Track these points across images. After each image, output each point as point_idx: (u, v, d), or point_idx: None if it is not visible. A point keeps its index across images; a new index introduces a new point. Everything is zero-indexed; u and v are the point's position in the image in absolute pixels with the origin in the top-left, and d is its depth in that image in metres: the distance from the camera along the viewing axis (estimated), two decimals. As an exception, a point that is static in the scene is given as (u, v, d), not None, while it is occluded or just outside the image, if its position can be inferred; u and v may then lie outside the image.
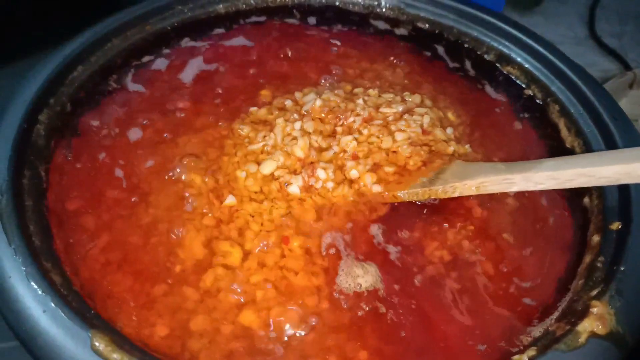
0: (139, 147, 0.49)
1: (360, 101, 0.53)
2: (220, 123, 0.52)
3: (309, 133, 0.50)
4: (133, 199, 0.45)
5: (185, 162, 0.47)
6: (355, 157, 0.48)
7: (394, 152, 0.49)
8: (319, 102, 0.52)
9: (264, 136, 0.50)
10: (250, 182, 0.47)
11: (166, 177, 0.47)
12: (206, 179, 0.46)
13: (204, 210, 0.45)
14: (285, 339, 0.38)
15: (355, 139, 0.49)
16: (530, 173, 0.40)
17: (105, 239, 0.42)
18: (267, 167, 0.47)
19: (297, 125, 0.50)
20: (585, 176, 0.38)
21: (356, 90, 0.56)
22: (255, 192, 0.46)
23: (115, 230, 0.43)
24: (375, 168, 0.48)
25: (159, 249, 0.42)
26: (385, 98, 0.54)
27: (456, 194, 0.44)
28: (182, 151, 0.49)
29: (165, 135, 0.50)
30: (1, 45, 0.79)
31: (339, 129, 0.51)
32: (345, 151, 0.49)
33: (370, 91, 0.55)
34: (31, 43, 0.52)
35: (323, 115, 0.52)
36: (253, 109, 0.53)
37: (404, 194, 0.46)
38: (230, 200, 0.45)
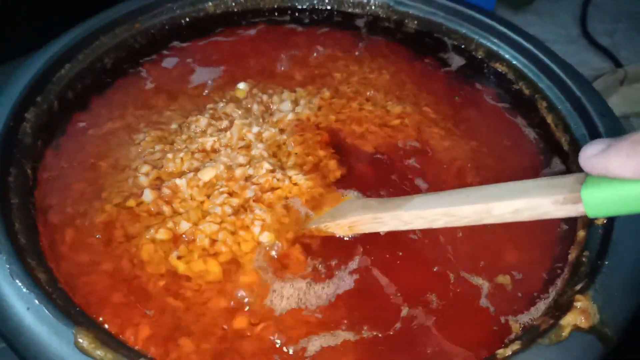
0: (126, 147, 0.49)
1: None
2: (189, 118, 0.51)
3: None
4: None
5: (142, 169, 0.47)
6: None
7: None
8: (290, 116, 0.51)
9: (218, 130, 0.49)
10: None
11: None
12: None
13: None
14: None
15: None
16: (399, 211, 0.38)
17: (84, 238, 0.42)
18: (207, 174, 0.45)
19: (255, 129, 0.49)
20: (448, 215, 0.35)
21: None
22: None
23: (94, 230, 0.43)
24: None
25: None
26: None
27: (330, 232, 0.42)
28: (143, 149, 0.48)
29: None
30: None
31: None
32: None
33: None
34: (21, 43, 0.51)
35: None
36: (220, 104, 0.53)
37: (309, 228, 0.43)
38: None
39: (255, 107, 0.53)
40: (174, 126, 0.51)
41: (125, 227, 0.43)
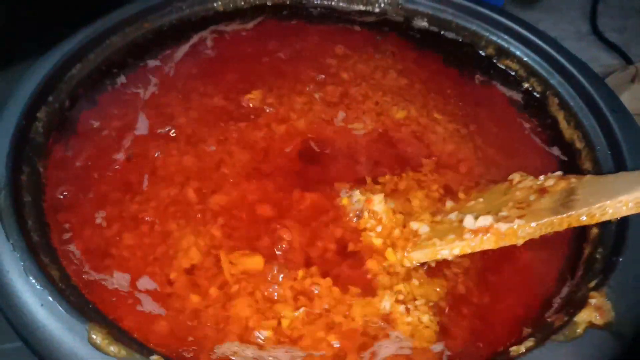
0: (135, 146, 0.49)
1: None
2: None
3: None
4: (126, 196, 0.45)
5: None
6: None
7: None
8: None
9: None
10: None
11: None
12: None
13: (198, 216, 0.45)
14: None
15: None
16: None
17: (98, 237, 0.43)
18: None
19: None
20: None
21: None
22: None
23: (110, 226, 0.43)
24: None
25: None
26: None
27: (606, 217, 0.36)
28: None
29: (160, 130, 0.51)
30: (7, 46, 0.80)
31: None
32: None
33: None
34: (31, 45, 0.52)
35: None
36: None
37: (534, 228, 0.38)
38: None
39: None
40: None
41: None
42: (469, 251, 0.39)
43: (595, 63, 1.05)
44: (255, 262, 0.42)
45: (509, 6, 1.14)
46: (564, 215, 0.37)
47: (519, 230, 0.38)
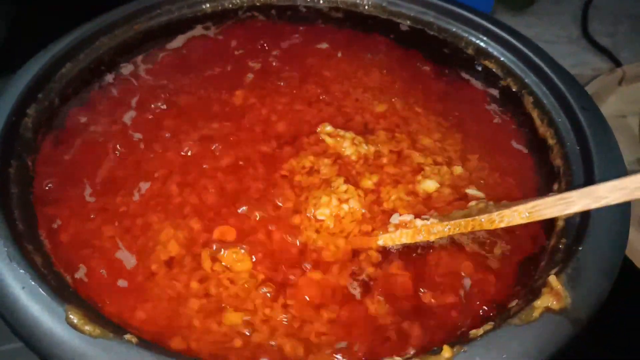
0: (121, 142, 0.51)
1: None
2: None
3: None
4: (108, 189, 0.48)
5: None
6: None
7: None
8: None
9: None
10: None
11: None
12: None
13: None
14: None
15: None
16: (591, 187, 0.36)
17: (83, 228, 0.44)
18: None
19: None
20: None
21: None
22: None
23: (93, 218, 0.45)
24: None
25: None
26: None
27: (503, 224, 0.40)
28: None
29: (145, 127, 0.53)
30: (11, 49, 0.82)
31: None
32: None
33: None
34: (41, 47, 0.54)
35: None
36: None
37: (444, 225, 0.42)
38: None
39: None
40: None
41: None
42: (390, 244, 0.44)
43: (586, 67, 1.07)
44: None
45: (500, 11, 1.16)
46: (469, 218, 0.42)
47: (432, 228, 0.43)
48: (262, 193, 0.48)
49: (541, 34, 1.12)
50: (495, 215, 0.41)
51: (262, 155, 0.51)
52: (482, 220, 0.41)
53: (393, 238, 0.44)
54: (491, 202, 0.44)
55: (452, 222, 0.42)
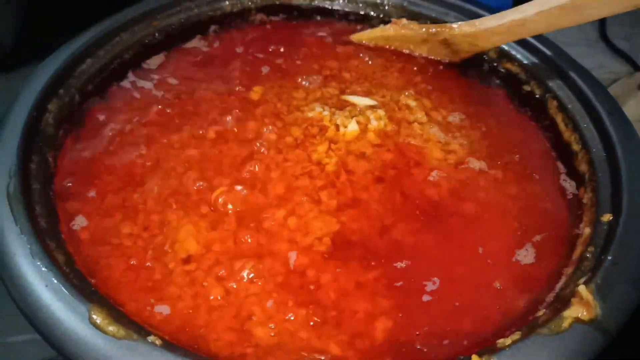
0: (140, 139, 0.51)
1: None
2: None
3: None
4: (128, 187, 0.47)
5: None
6: None
7: None
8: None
9: None
10: None
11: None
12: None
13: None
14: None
15: None
16: None
17: (102, 225, 0.44)
18: None
19: None
20: None
21: None
22: None
23: (110, 217, 0.45)
24: None
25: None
26: None
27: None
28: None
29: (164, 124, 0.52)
30: (24, 45, 0.82)
31: None
32: None
33: None
34: (53, 44, 0.54)
35: None
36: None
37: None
38: None
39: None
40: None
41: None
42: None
43: (603, 70, 1.05)
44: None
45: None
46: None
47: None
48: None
49: (558, 36, 1.11)
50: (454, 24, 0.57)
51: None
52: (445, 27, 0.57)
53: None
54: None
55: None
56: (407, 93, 0.57)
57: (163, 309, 0.40)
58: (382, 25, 0.61)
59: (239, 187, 0.47)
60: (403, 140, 0.52)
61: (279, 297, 0.40)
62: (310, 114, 0.53)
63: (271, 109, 0.54)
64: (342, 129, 0.52)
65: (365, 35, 0.62)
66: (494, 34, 0.54)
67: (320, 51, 0.62)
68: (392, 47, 0.62)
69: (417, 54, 0.61)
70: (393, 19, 0.61)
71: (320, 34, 0.65)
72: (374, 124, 0.53)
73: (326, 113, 0.53)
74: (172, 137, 0.51)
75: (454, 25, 0.57)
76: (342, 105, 0.55)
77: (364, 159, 0.50)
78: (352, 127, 0.52)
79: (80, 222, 0.44)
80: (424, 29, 0.59)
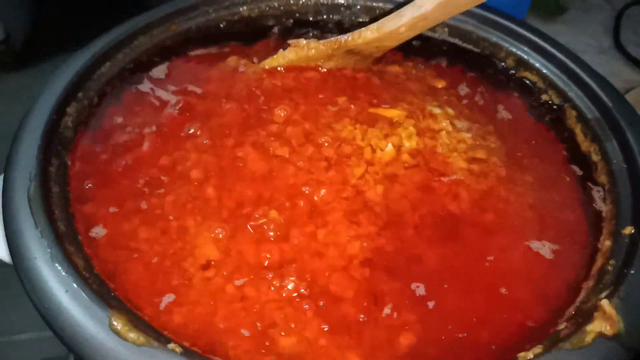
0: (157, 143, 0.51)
1: None
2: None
3: None
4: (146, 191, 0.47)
5: None
6: None
7: None
8: None
9: None
10: None
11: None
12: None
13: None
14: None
15: None
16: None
17: (119, 229, 0.44)
18: None
19: None
20: None
21: None
22: None
23: (128, 221, 0.45)
24: None
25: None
26: None
27: (360, 40, 0.54)
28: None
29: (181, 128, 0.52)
30: (34, 44, 0.83)
31: None
32: None
33: None
34: (63, 43, 0.54)
35: None
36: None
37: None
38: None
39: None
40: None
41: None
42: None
43: (617, 78, 1.05)
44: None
45: (531, 20, 1.14)
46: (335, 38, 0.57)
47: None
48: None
49: (571, 42, 1.10)
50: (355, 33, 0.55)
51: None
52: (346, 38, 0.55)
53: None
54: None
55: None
56: (432, 102, 0.56)
57: (181, 314, 0.40)
58: (281, 51, 0.58)
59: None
60: (431, 150, 0.52)
61: (299, 305, 0.40)
62: (343, 134, 0.52)
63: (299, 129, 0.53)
64: (378, 152, 0.51)
65: (272, 62, 0.59)
66: (397, 33, 0.54)
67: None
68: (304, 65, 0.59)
69: (325, 68, 0.59)
70: (292, 42, 0.58)
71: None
72: (407, 145, 0.52)
73: (357, 131, 0.52)
74: (187, 143, 0.51)
75: (355, 35, 0.55)
76: (371, 120, 0.54)
77: (397, 181, 0.49)
78: (389, 149, 0.51)
79: (98, 226, 0.44)
80: (324, 46, 0.57)
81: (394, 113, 0.54)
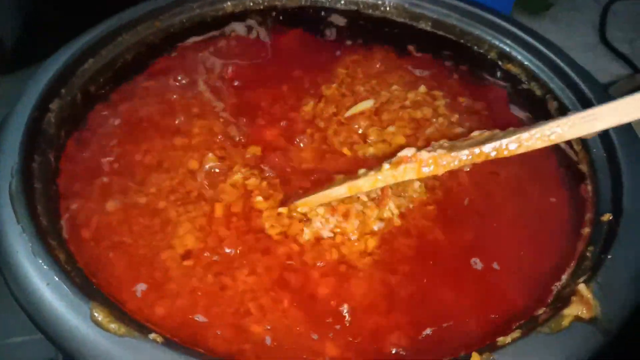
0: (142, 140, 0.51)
1: None
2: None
3: None
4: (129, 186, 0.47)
5: None
6: None
7: None
8: None
9: None
10: None
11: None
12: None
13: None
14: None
15: None
16: (617, 102, 0.35)
17: (107, 222, 0.44)
18: None
19: None
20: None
21: None
22: None
23: (114, 214, 0.45)
24: None
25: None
26: None
27: (511, 152, 0.38)
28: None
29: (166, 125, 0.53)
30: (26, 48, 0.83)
31: None
32: None
33: None
34: (55, 47, 0.54)
35: None
36: None
37: (453, 157, 0.39)
38: None
39: None
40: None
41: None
42: (392, 181, 0.41)
43: (604, 73, 1.06)
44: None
45: (517, 16, 1.15)
46: (476, 147, 0.39)
47: (440, 159, 0.39)
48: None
49: (558, 39, 1.11)
50: (500, 143, 0.38)
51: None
52: (491, 151, 0.39)
53: (395, 175, 0.40)
54: (497, 130, 0.41)
55: (462, 152, 0.39)
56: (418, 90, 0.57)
57: (163, 306, 0.40)
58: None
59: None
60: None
61: (275, 295, 0.40)
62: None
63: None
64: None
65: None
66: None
67: (328, 55, 0.63)
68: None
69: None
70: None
71: (323, 36, 0.66)
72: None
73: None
74: (174, 139, 0.51)
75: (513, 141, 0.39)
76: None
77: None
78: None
79: (81, 221, 0.45)
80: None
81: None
